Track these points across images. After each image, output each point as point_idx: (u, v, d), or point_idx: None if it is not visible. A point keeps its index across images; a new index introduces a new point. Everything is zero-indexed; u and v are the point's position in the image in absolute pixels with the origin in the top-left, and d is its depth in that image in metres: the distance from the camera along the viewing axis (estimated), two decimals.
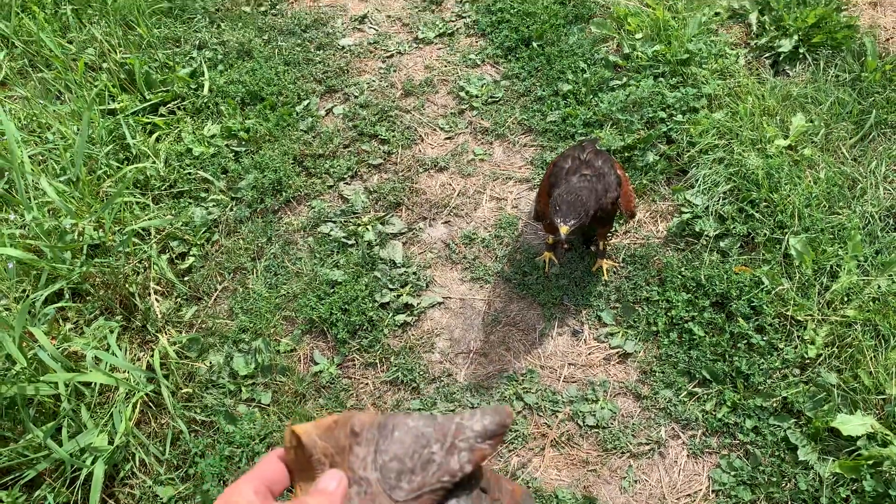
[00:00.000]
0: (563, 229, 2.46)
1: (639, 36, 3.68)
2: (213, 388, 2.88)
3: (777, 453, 2.45)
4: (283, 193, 3.44)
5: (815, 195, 2.92)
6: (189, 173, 3.52)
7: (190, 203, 3.43)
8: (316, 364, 2.93)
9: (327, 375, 2.88)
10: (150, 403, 2.79)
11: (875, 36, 3.45)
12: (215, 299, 3.17)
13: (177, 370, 2.87)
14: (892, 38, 3.54)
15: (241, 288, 3.18)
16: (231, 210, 3.42)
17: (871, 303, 2.65)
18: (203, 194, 3.47)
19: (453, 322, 2.99)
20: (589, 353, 2.83)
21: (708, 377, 2.65)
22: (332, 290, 3.07)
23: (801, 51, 3.47)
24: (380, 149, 3.59)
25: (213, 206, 3.43)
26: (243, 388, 2.88)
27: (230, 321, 3.08)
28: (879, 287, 2.69)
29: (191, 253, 3.29)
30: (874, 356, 2.54)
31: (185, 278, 3.22)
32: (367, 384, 2.87)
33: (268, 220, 3.38)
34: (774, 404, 2.54)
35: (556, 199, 2.53)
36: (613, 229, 3.10)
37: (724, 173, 3.07)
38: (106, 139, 3.48)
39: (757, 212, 2.94)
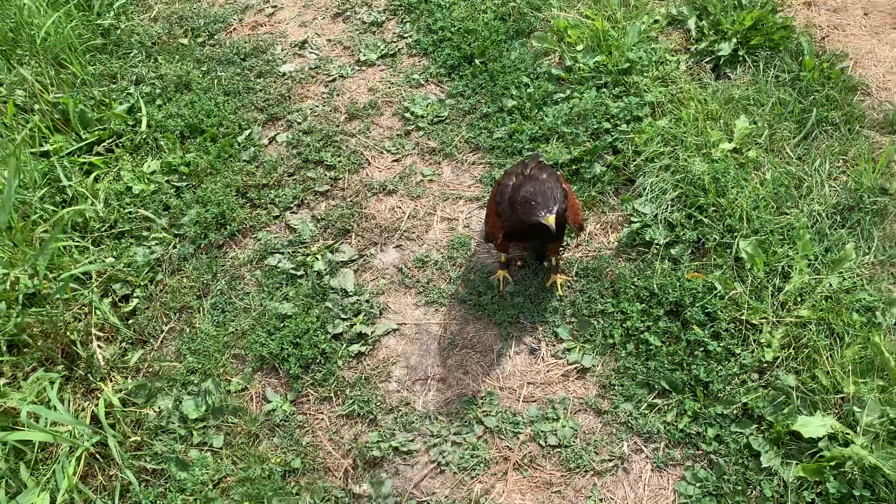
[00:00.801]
0: (550, 219, 2.42)
1: (580, 47, 3.68)
2: (162, 434, 2.77)
3: (741, 461, 2.41)
4: (228, 227, 3.35)
5: (763, 197, 2.92)
6: (130, 212, 3.41)
7: (132, 243, 3.32)
8: (269, 402, 2.83)
9: (281, 413, 2.79)
10: (97, 455, 2.67)
11: (811, 35, 3.49)
12: (161, 341, 3.06)
13: (123, 418, 2.75)
14: (827, 36, 3.58)
15: (188, 328, 3.08)
16: (174, 248, 3.32)
17: (823, 301, 2.65)
18: (145, 233, 3.36)
19: (409, 348, 2.92)
20: (547, 371, 2.78)
21: (667, 387, 2.62)
22: (282, 325, 2.98)
23: (740, 53, 3.49)
24: (326, 175, 3.52)
25: (156, 244, 3.33)
26: (194, 432, 2.77)
27: (178, 363, 2.98)
28: (831, 285, 2.69)
29: (134, 294, 3.18)
30: (830, 355, 2.53)
31: (130, 321, 3.10)
32: (322, 419, 2.78)
33: (212, 255, 3.29)
34: (735, 411, 2.51)
35: (528, 195, 2.48)
36: (565, 243, 3.06)
37: (670, 180, 3.06)
38: (40, 182, 3.36)
39: (705, 217, 2.93)
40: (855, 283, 2.70)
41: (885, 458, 2.27)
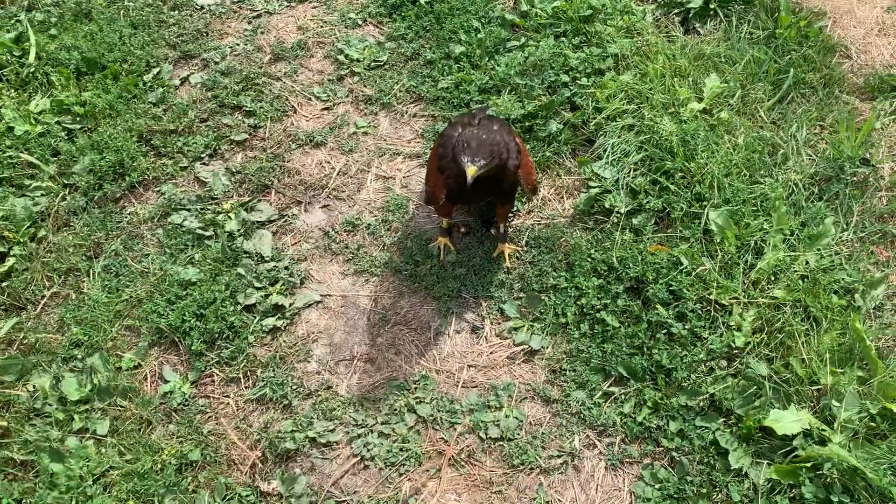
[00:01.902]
0: (471, 171, 2.07)
1: None
2: (36, 418, 2.34)
3: (706, 460, 2.13)
4: (127, 178, 2.89)
5: (735, 163, 2.62)
6: (10, 157, 2.91)
7: (11, 192, 2.83)
8: (166, 382, 2.43)
9: (180, 396, 2.38)
10: None
11: None
12: (42, 308, 2.61)
13: None
14: None
15: (74, 293, 2.63)
16: (62, 200, 2.84)
17: (799, 281, 2.37)
18: (27, 181, 2.87)
19: (333, 324, 2.54)
20: (491, 352, 2.45)
21: (625, 374, 2.31)
22: (185, 293, 2.56)
23: (711, 6, 3.17)
24: (244, 122, 3.07)
25: (41, 195, 2.85)
26: (75, 417, 2.35)
27: (59, 335, 2.53)
28: (808, 263, 2.41)
29: (11, 253, 2.71)
30: (806, 341, 2.25)
31: (3, 284, 2.63)
32: (228, 404, 2.39)
33: (107, 210, 2.82)
34: (701, 403, 2.22)
35: (464, 136, 2.14)
36: (515, 208, 2.71)
37: (634, 142, 2.73)
38: None
39: (672, 184, 2.61)
40: (833, 261, 2.43)
41: (864, 459, 2.01)
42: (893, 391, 2.11)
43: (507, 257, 2.59)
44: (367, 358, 2.46)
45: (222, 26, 3.46)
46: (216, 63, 3.28)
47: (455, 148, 2.14)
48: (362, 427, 2.29)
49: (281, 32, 3.42)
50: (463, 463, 2.22)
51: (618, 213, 2.60)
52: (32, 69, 3.20)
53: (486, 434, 2.26)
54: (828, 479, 2.02)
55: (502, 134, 2.26)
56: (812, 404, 2.18)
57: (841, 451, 2.02)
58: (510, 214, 2.69)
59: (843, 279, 2.38)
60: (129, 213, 2.83)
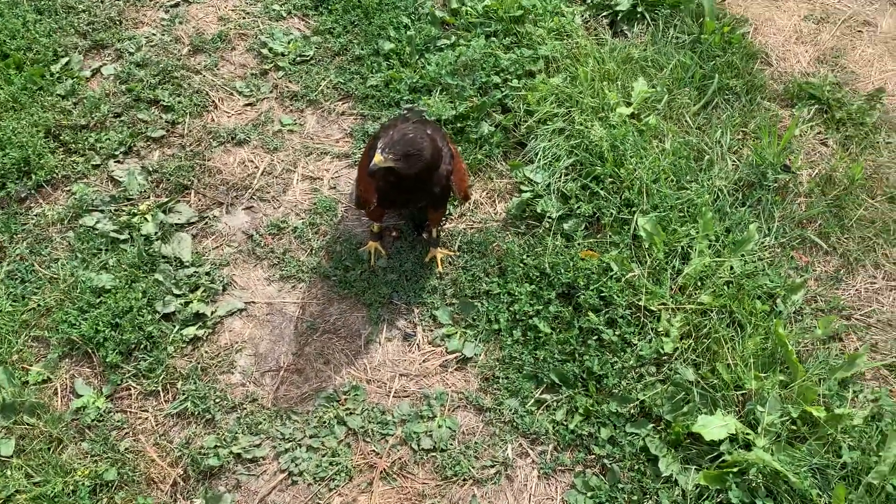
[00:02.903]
0: (378, 158, 2.04)
1: None
2: None
3: (637, 467, 2.15)
4: (34, 176, 2.70)
5: (663, 168, 2.65)
6: None
7: None
8: (78, 397, 2.29)
9: (94, 411, 2.25)
10: None
11: None
12: None
13: None
14: None
15: None
16: None
17: (724, 287, 2.41)
18: None
19: (258, 333, 2.44)
20: (423, 361, 2.40)
21: (557, 381, 2.31)
22: (98, 300, 2.41)
23: (639, 10, 3.19)
24: (161, 118, 2.92)
25: None
26: None
27: None
28: (732, 269, 2.46)
29: None
30: (731, 347, 2.30)
31: None
32: (146, 419, 2.27)
33: (11, 211, 2.63)
34: (631, 409, 2.24)
35: (395, 128, 2.11)
36: (447, 213, 2.67)
37: (565, 146, 2.73)
38: None
39: (602, 189, 2.62)
40: (756, 267, 2.49)
41: (787, 462, 2.07)
42: (813, 394, 2.18)
43: (439, 262, 2.55)
44: (294, 368, 2.38)
45: (137, 14, 3.27)
46: (131, 54, 3.10)
47: (378, 132, 2.10)
48: (290, 441, 2.21)
49: (200, 23, 3.26)
50: (395, 476, 2.18)
51: (549, 218, 2.59)
52: None
53: (419, 445, 2.22)
54: (753, 484, 2.06)
55: (435, 139, 2.21)
56: (737, 409, 2.23)
57: (764, 455, 2.07)
58: (442, 219, 2.64)
59: (765, 284, 2.44)
60: (35, 215, 2.64)
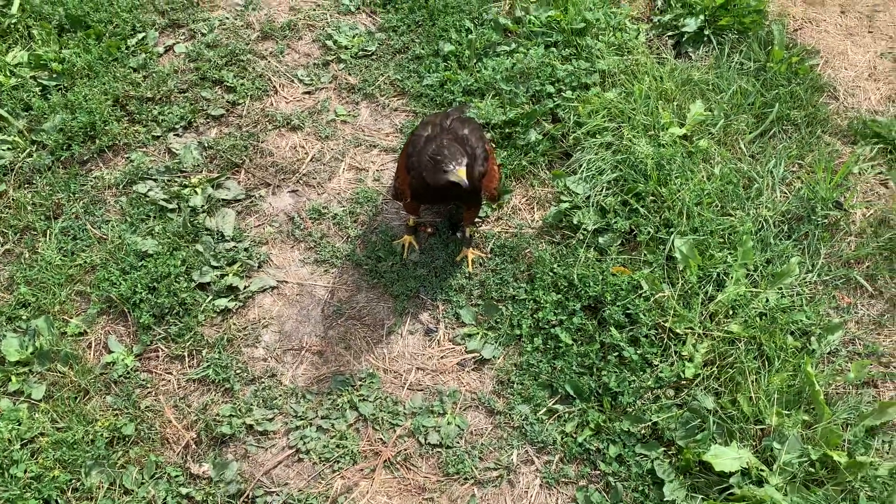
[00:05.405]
0: (461, 172, 2.10)
1: None
2: None
3: (641, 488, 2.11)
4: (98, 141, 2.84)
5: (708, 192, 2.59)
6: None
7: None
8: (110, 353, 2.39)
9: (122, 367, 2.35)
10: None
11: (783, 24, 3.16)
12: None
13: None
14: (801, 28, 3.26)
15: (28, 252, 2.58)
16: (28, 156, 2.80)
17: (757, 318, 2.35)
18: None
19: (286, 311, 2.51)
20: (442, 357, 2.42)
21: (571, 393, 2.28)
22: (140, 264, 2.52)
23: (706, 32, 3.14)
24: (223, 97, 3.03)
25: (6, 149, 2.80)
26: (12, 378, 2.32)
27: (7, 293, 2.49)
28: (768, 301, 2.39)
29: None
30: (756, 379, 2.23)
31: None
32: (169, 381, 2.35)
33: (73, 171, 2.78)
34: (643, 430, 2.20)
35: (433, 152, 2.14)
36: (483, 213, 2.68)
37: (610, 160, 2.70)
38: None
39: (642, 206, 2.58)
40: (794, 302, 2.41)
41: None
42: (837, 439, 2.09)
43: (470, 262, 2.56)
44: (315, 349, 2.43)
45: None
46: (203, 35, 3.23)
47: (435, 164, 2.13)
48: (302, 419, 2.26)
49: (273, 11, 3.37)
50: (398, 466, 2.19)
51: (585, 230, 2.58)
52: (14, 20, 3.14)
53: (426, 439, 2.23)
54: None
55: (472, 138, 2.23)
56: (754, 443, 2.16)
57: (776, 493, 2.00)
58: (478, 219, 2.66)
59: (801, 321, 2.36)
60: (94, 178, 2.78)
